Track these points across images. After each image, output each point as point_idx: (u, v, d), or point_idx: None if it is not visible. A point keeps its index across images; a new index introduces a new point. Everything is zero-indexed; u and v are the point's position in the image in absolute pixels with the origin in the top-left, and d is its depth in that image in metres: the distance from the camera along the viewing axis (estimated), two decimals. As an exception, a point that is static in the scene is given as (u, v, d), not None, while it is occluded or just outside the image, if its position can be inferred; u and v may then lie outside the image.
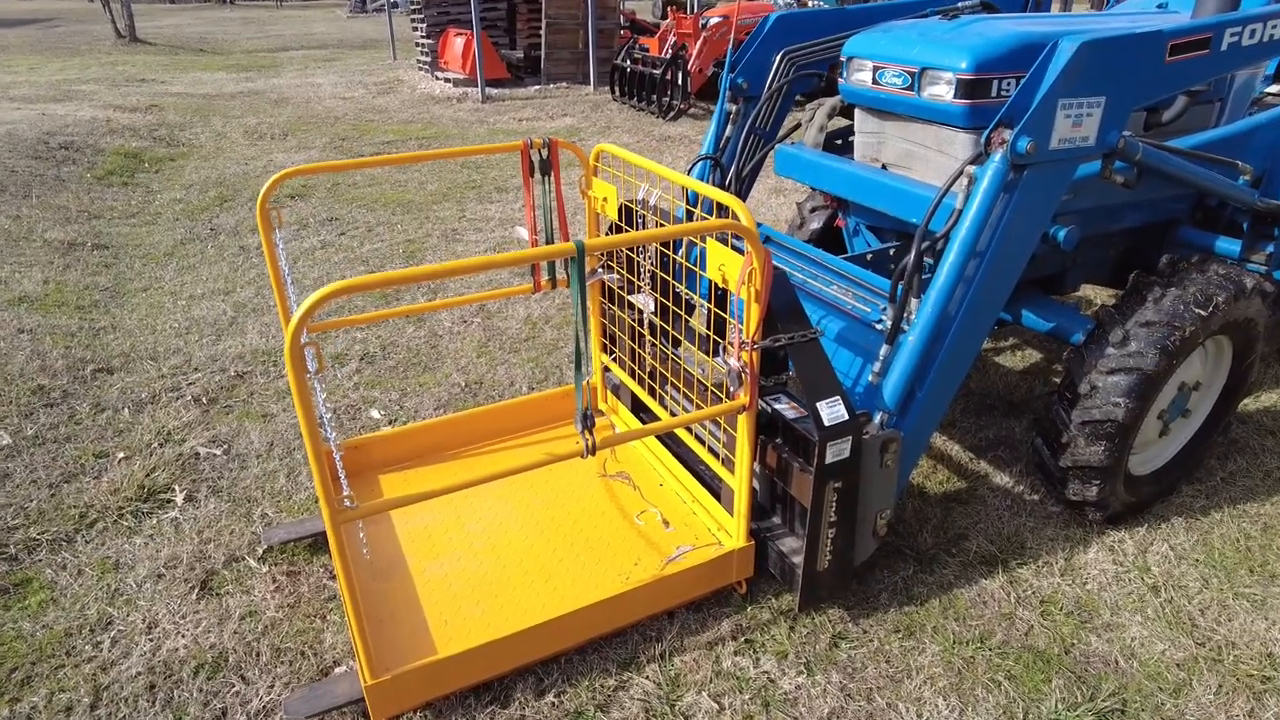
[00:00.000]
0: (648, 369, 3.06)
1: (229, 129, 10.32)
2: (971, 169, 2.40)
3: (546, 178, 2.96)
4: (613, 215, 2.95)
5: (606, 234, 3.15)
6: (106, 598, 2.71)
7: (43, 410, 3.78)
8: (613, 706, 2.32)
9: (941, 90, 2.76)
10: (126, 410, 3.82)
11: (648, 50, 11.96)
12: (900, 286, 2.47)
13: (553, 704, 2.32)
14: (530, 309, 4.90)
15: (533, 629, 2.33)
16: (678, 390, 2.90)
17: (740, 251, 2.21)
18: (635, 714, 2.30)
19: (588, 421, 2.11)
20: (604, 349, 3.38)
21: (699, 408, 2.72)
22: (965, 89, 2.69)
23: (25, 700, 2.33)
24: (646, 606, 2.54)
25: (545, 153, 2.92)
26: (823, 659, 2.50)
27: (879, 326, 2.67)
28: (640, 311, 3.00)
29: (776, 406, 2.42)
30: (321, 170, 2.63)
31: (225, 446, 3.54)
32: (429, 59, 14.41)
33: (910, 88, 2.86)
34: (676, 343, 2.89)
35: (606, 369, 3.43)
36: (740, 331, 2.26)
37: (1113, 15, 3.43)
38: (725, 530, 2.75)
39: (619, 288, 3.09)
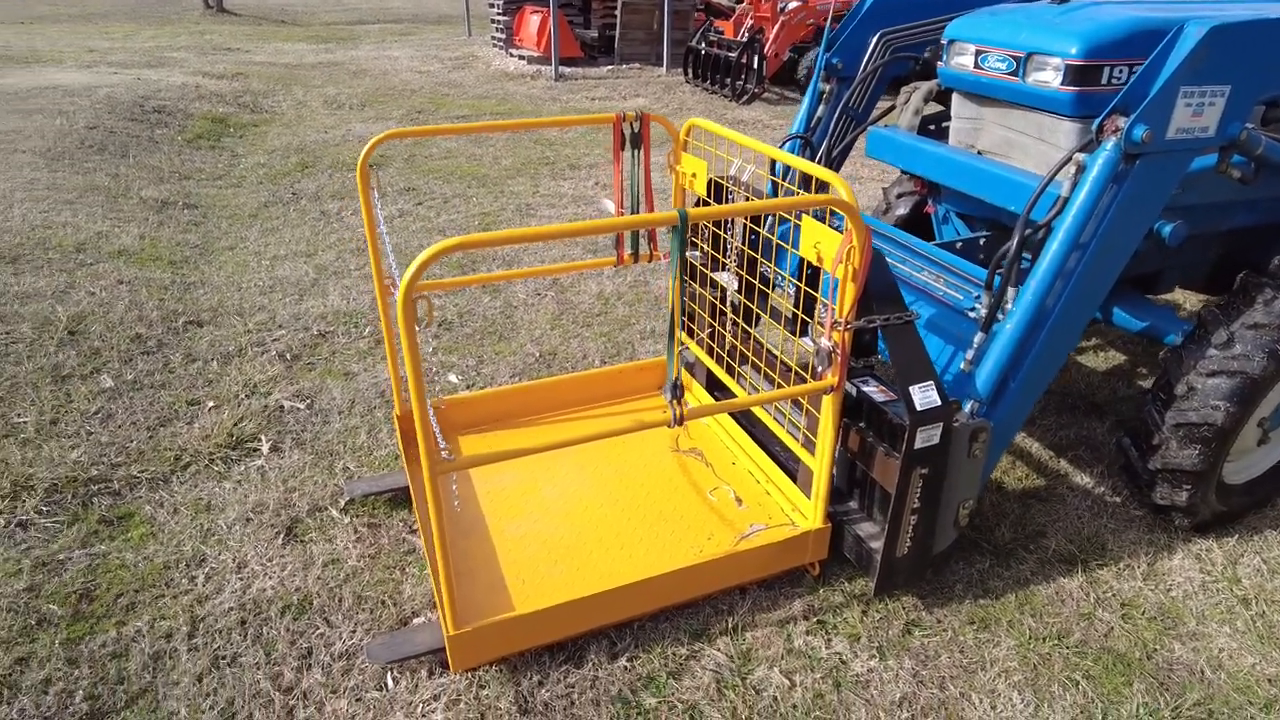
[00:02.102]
0: (726, 347, 3.06)
1: (309, 98, 10.57)
2: (1081, 156, 2.33)
3: (636, 151, 2.97)
4: (700, 191, 2.94)
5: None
6: (200, 536, 2.84)
7: (140, 357, 3.95)
8: (684, 674, 2.35)
9: (1048, 76, 2.68)
10: (215, 362, 3.97)
11: (723, 33, 11.85)
12: (998, 275, 2.42)
13: (625, 667, 2.36)
14: (602, 285, 4.93)
15: (608, 593, 2.36)
16: (757, 369, 2.90)
17: (838, 229, 2.19)
18: (707, 683, 2.32)
19: (677, 391, 2.12)
20: (680, 326, 3.38)
21: (778, 387, 2.72)
22: (1074, 75, 2.61)
23: (130, 624, 2.45)
24: (720, 580, 2.56)
25: (637, 126, 2.93)
26: (895, 645, 2.48)
27: (972, 314, 2.62)
28: (722, 289, 3.00)
29: (865, 389, 2.40)
30: (422, 134, 2.69)
31: (309, 401, 3.65)
32: (504, 36, 14.52)
33: (1015, 73, 2.78)
34: (757, 320, 2.88)
35: (683, 346, 3.43)
36: (833, 311, 2.25)
37: (1234, 2, 3.28)
38: (800, 511, 2.75)
39: (702, 265, 3.09)
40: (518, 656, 2.36)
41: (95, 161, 6.87)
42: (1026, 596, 2.68)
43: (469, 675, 2.31)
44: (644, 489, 2.95)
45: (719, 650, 2.43)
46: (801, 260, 2.48)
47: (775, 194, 3.20)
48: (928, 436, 2.25)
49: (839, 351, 2.26)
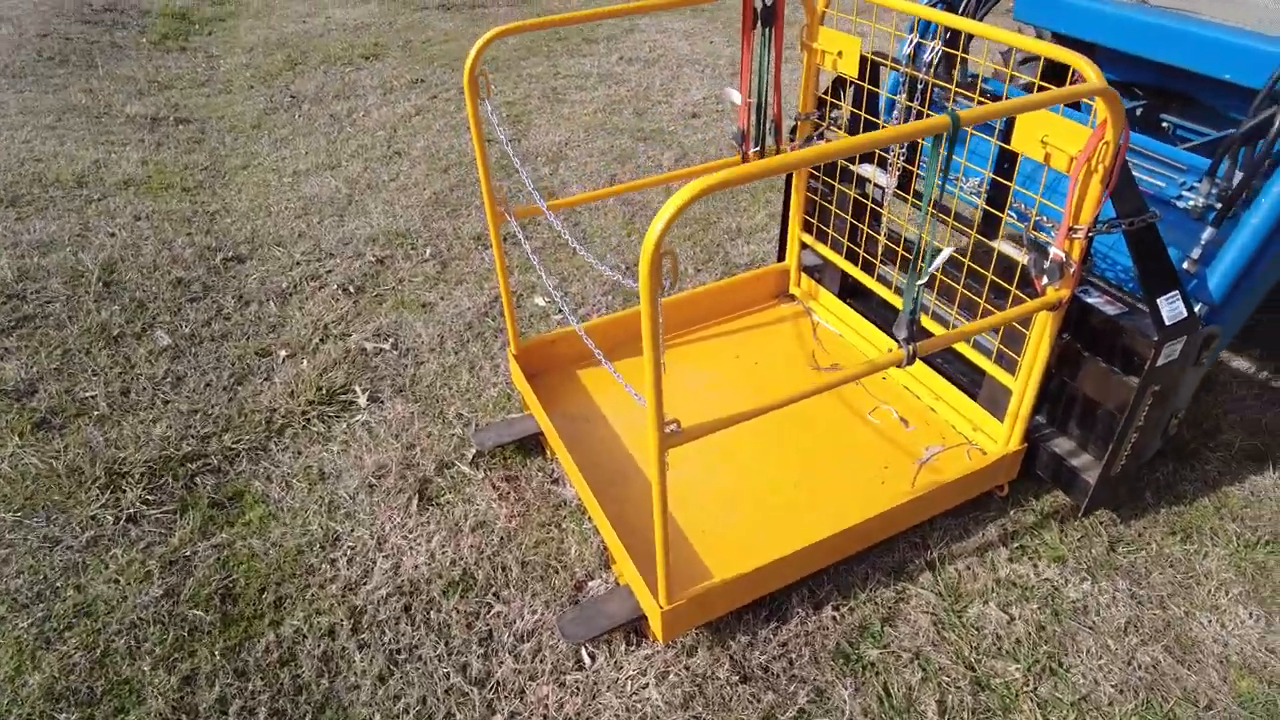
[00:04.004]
0: (879, 251, 2.75)
1: (270, -19, 9.52)
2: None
3: (767, 30, 2.55)
4: (849, 70, 2.54)
5: (830, 95, 2.76)
6: (325, 511, 2.59)
7: (188, 305, 3.57)
8: (898, 619, 2.20)
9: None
10: (272, 302, 3.61)
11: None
12: (1226, 160, 2.11)
13: (834, 617, 2.20)
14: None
15: (808, 548, 2.15)
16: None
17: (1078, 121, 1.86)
18: (925, 627, 2.17)
19: (913, 329, 1.84)
20: (804, 226, 3.06)
21: (975, 295, 2.44)
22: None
23: (286, 623, 2.24)
24: (916, 516, 2.37)
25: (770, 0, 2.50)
26: (1104, 564, 2.33)
27: (1180, 205, 2.32)
28: (874, 185, 2.67)
29: (1089, 299, 2.13)
30: (535, 28, 2.25)
31: (391, 340, 3.33)
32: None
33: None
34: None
35: (805, 247, 3.12)
36: (1062, 216, 1.94)
37: None
38: (983, 431, 2.53)
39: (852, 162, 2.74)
40: (719, 620, 2.19)
41: (62, 76, 6.15)
42: (1221, 499, 2.53)
43: (672, 643, 2.14)
44: (795, 412, 2.71)
45: (924, 588, 2.27)
46: (1004, 153, 2.15)
47: (900, 81, 2.78)
48: (1171, 351, 2.01)
49: (1072, 262, 1.97)
